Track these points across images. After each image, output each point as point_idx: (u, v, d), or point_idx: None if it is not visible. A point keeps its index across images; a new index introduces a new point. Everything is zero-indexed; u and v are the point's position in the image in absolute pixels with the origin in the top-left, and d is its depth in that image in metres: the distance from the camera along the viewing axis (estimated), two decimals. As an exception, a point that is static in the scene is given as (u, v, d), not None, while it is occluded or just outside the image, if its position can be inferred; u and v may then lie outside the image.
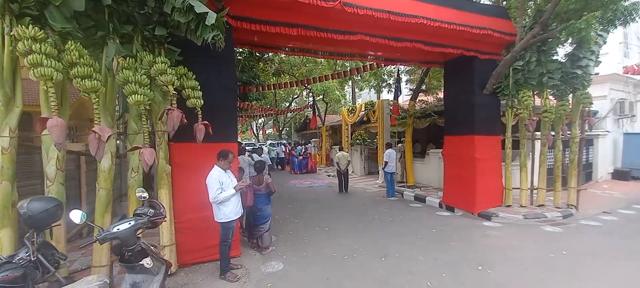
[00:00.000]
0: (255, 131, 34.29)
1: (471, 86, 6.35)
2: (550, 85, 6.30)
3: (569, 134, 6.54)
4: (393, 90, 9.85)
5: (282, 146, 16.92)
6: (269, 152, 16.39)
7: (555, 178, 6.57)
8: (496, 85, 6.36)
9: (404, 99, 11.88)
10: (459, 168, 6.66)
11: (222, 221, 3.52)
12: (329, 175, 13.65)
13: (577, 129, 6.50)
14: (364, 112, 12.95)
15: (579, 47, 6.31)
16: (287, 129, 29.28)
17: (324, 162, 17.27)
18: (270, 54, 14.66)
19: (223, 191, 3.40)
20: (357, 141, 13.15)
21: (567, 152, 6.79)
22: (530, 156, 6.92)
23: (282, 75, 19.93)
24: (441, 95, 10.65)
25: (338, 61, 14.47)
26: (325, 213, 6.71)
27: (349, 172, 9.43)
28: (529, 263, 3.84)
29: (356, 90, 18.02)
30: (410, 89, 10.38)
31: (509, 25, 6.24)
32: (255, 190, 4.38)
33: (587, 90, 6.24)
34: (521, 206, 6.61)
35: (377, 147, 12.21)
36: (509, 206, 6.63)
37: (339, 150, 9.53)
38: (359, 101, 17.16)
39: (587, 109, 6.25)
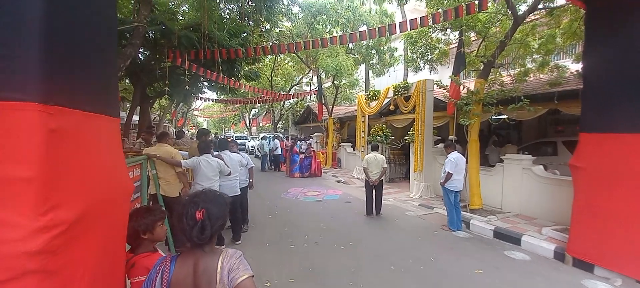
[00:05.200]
0: (247, 122, 30.80)
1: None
2: None
3: None
4: (451, 66, 6.60)
5: (277, 141, 13.50)
6: (260, 148, 13.06)
7: None
8: None
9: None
10: (619, 197, 3.50)
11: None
12: (338, 182, 10.42)
13: None
14: (389, 99, 9.70)
15: None
16: (283, 122, 25.86)
17: (329, 162, 14.01)
18: (268, 26, 11.45)
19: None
20: (378, 137, 9.91)
21: None
22: None
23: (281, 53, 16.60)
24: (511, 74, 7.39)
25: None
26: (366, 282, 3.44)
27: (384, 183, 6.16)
28: None
29: (371, 74, 14.70)
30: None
31: None
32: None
33: None
34: None
35: (407, 146, 9.03)
36: None
37: (372, 150, 6.22)
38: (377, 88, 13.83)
39: None
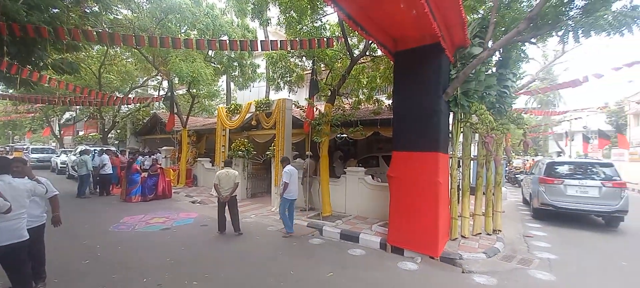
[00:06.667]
0: (55, 130, 22.36)
1: (437, 88, 4.83)
2: (487, 101, 5.76)
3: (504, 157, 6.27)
4: (307, 89, 7.35)
5: (106, 156, 10.42)
6: (79, 165, 9.68)
7: (488, 203, 6.08)
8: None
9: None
10: (414, 197, 4.92)
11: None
12: (194, 202, 9.24)
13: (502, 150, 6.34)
14: (251, 114, 9.66)
15: (504, 66, 6.21)
16: (118, 132, 20.47)
17: (183, 180, 12.24)
18: (96, 8, 9.03)
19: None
20: (239, 152, 9.60)
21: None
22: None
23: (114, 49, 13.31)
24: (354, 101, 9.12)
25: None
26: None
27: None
28: None
29: (232, 86, 14.23)
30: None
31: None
32: None
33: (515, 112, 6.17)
34: (463, 237, 5.67)
35: (269, 161, 9.24)
36: (455, 239, 5.53)
37: (225, 166, 5.86)
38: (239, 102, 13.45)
39: (521, 130, 6.14)
